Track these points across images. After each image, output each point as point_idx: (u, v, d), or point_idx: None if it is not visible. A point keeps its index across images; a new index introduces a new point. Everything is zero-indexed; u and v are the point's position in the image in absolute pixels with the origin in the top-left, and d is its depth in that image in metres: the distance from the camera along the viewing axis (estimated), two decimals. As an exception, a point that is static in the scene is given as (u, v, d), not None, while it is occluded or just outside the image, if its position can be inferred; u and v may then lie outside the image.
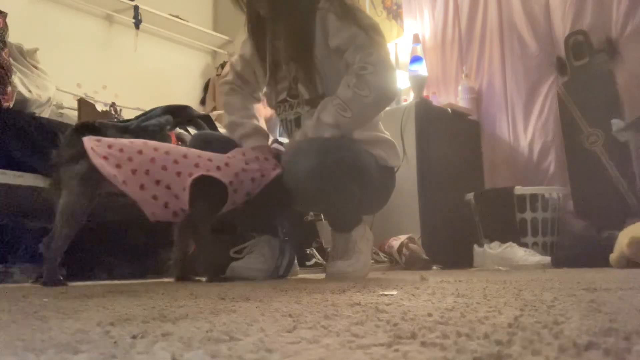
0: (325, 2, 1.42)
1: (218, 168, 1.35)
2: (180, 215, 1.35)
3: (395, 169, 1.57)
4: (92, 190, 1.29)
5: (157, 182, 1.29)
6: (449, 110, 2.71)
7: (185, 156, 1.33)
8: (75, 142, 1.29)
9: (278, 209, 1.55)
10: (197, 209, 1.35)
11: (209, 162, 1.35)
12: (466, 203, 2.52)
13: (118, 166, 1.26)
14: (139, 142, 1.33)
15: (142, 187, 1.28)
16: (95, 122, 1.83)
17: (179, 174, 1.30)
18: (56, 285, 1.25)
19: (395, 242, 2.31)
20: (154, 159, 1.29)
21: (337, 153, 1.34)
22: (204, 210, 1.37)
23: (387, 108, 2.81)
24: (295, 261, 1.63)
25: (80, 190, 1.28)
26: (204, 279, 1.41)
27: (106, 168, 1.25)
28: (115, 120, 2.73)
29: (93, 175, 1.26)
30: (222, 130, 2.24)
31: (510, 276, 1.35)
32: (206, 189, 1.33)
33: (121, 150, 1.28)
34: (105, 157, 1.26)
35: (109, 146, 1.27)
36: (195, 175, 1.30)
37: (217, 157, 1.38)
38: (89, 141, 1.27)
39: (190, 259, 1.49)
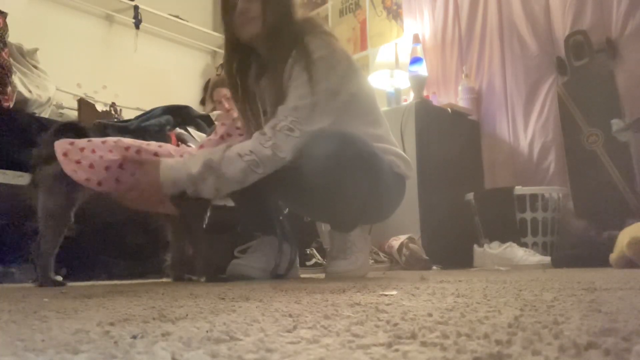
0: (296, 53, 1.36)
1: None
2: (165, 203, 1.34)
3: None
4: (68, 190, 1.29)
5: (132, 174, 1.30)
6: (449, 110, 2.71)
7: (156, 154, 1.33)
8: (52, 143, 1.29)
9: (278, 203, 1.56)
10: (185, 208, 1.34)
11: (180, 158, 1.35)
12: (466, 203, 2.52)
13: (91, 166, 1.27)
14: (110, 142, 1.33)
15: (117, 180, 1.29)
16: (78, 122, 1.82)
17: None
18: (53, 286, 1.25)
19: (395, 242, 2.31)
20: (125, 157, 1.30)
21: (357, 146, 1.34)
22: (193, 208, 1.35)
23: (386, 108, 2.82)
24: (297, 264, 1.63)
25: (56, 190, 1.28)
26: (202, 279, 1.41)
27: (78, 174, 1.25)
28: (115, 120, 2.73)
29: (67, 176, 1.27)
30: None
31: (510, 276, 1.35)
32: None
33: (93, 151, 1.28)
34: (78, 162, 1.26)
35: (82, 149, 1.28)
36: None
37: (190, 153, 1.39)
38: (61, 146, 1.27)
39: (188, 259, 1.49)
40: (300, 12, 1.45)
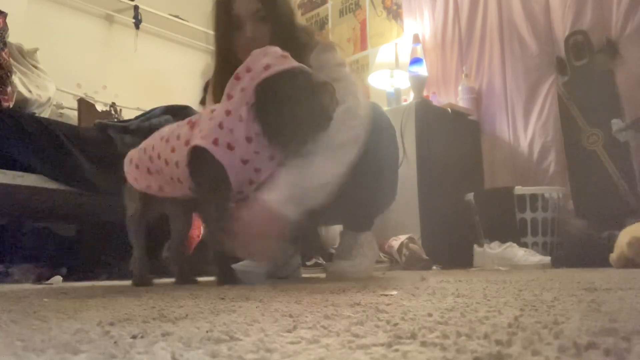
0: None
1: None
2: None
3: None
4: (140, 196, 1.28)
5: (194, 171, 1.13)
6: (449, 110, 2.71)
7: (178, 137, 1.16)
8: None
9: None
10: (196, 188, 1.13)
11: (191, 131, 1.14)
12: (466, 203, 2.52)
13: (149, 171, 1.22)
14: (149, 143, 1.26)
15: (178, 180, 1.16)
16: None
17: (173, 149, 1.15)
18: (149, 285, 1.28)
19: (395, 242, 2.31)
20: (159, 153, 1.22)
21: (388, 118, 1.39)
22: (205, 188, 1.12)
23: (386, 108, 2.82)
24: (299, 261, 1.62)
25: (131, 198, 1.30)
26: (203, 279, 1.40)
27: (139, 182, 1.25)
28: (116, 120, 2.74)
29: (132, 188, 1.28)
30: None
31: (510, 276, 1.35)
32: (199, 163, 1.10)
33: (146, 156, 1.24)
34: (137, 166, 1.25)
35: (150, 154, 1.25)
36: (192, 144, 1.09)
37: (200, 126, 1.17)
38: (130, 154, 1.29)
39: (191, 259, 1.48)
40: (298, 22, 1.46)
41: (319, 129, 1.10)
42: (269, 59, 1.06)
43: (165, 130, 1.23)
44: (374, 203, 1.46)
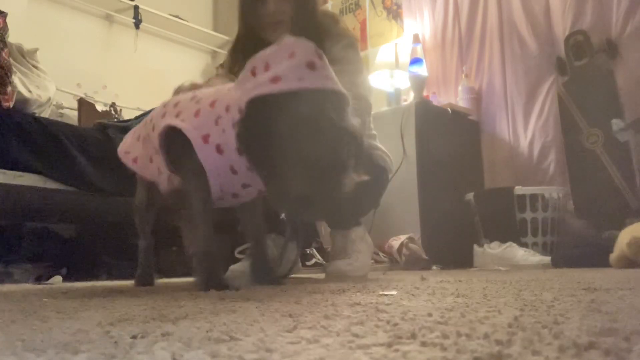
0: None
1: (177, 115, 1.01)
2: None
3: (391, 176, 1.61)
4: (146, 183, 1.25)
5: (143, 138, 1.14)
6: (449, 110, 2.70)
7: (175, 105, 1.06)
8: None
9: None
10: (168, 166, 1.01)
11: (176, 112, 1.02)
12: (466, 203, 2.52)
13: (139, 139, 1.19)
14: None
15: (151, 160, 1.10)
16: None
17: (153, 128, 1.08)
18: (142, 285, 1.25)
19: (395, 242, 2.31)
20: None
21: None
22: (179, 173, 0.99)
23: (386, 108, 2.81)
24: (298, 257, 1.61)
25: (138, 183, 1.28)
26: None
27: (125, 145, 1.23)
28: (115, 120, 2.74)
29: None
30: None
31: (510, 276, 1.35)
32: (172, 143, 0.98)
33: (143, 122, 1.23)
34: (134, 131, 1.24)
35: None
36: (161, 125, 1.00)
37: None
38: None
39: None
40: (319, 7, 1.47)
41: (323, 184, 0.79)
42: (284, 67, 0.80)
43: (174, 98, 1.11)
44: (358, 205, 1.45)
